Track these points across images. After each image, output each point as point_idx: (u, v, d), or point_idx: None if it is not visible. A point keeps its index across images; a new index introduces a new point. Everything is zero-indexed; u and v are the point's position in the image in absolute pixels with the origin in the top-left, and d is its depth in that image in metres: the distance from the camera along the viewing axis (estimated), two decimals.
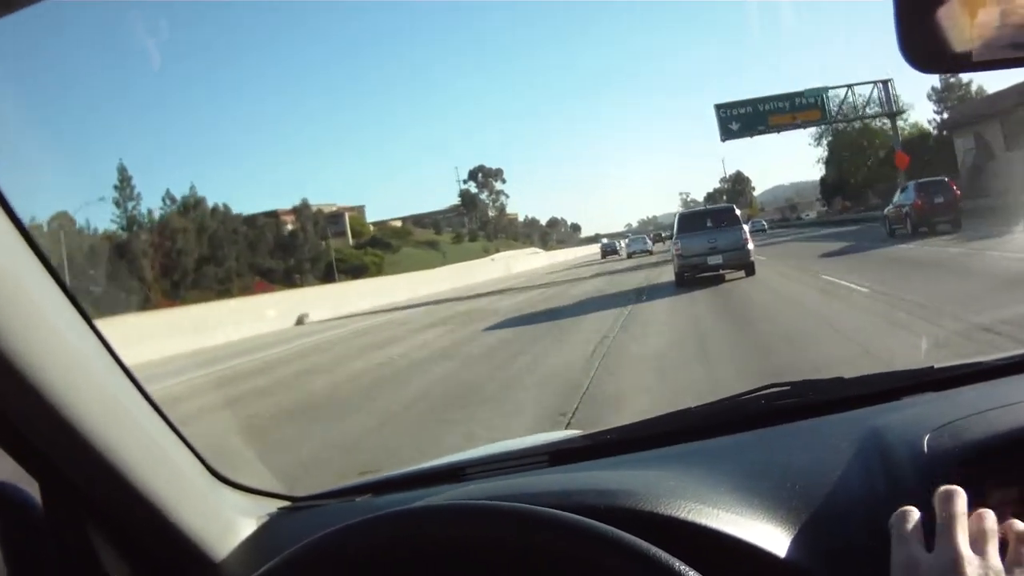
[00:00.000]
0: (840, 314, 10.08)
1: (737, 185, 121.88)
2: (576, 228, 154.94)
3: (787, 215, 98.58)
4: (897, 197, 23.61)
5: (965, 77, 43.94)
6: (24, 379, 0.88)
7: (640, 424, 1.43)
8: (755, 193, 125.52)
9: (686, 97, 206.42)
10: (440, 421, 7.33)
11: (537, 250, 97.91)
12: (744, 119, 40.85)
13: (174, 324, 22.06)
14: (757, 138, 41.46)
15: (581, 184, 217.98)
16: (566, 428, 5.41)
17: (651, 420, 1.44)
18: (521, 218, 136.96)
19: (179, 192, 65.26)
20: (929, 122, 46.79)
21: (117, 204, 55.10)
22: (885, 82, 39.88)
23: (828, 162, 51.68)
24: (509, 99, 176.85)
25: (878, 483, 1.00)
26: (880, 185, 42.09)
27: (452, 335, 15.27)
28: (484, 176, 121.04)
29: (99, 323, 1.05)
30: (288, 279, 65.45)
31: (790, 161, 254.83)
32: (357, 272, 69.61)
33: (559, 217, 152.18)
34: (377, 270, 70.59)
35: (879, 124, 46.14)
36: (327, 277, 67.74)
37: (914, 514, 0.79)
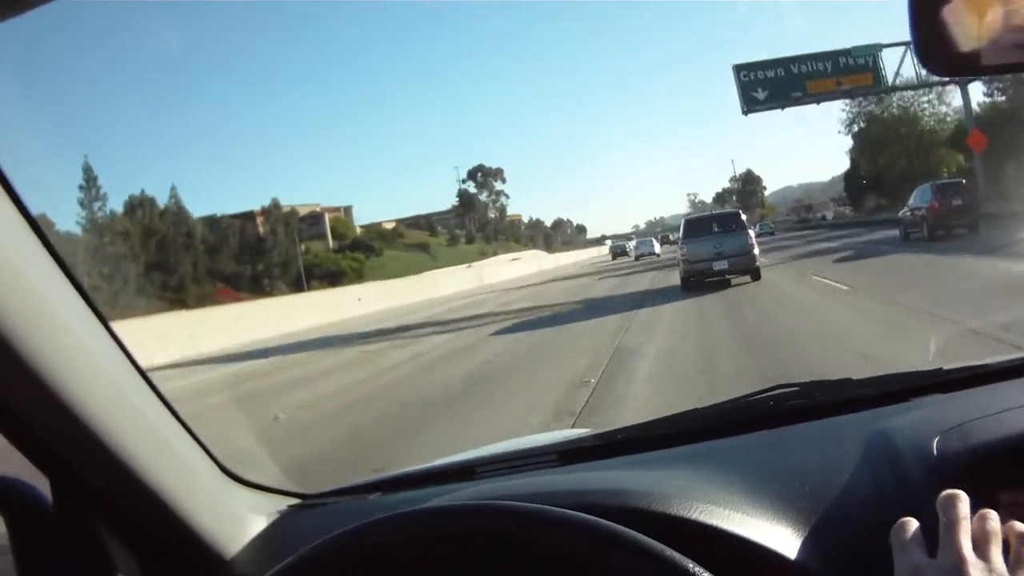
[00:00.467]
0: None
1: (747, 185, 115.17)
2: (582, 229, 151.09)
3: (803, 215, 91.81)
4: (912, 199, 22.56)
5: None
6: (35, 376, 0.88)
7: (650, 424, 1.43)
8: (765, 193, 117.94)
9: (696, 95, 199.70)
10: None
11: (540, 252, 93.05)
12: (773, 85, 31.21)
13: None
14: (784, 115, 33.63)
15: (588, 185, 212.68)
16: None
17: (660, 420, 1.43)
18: (526, 219, 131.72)
19: (159, 193, 58.77)
20: (979, 104, 38.88)
21: (82, 205, 49.73)
22: None
23: (860, 151, 43.76)
24: (514, 99, 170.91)
25: (887, 485, 1.00)
26: (922, 180, 34.75)
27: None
28: (483, 176, 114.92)
29: None
30: (256, 286, 58.81)
31: (800, 161, 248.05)
32: (334, 278, 63.00)
33: (564, 218, 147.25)
34: (356, 275, 64.02)
35: (927, 102, 38.49)
36: (299, 284, 61.14)
37: (912, 524, 0.79)
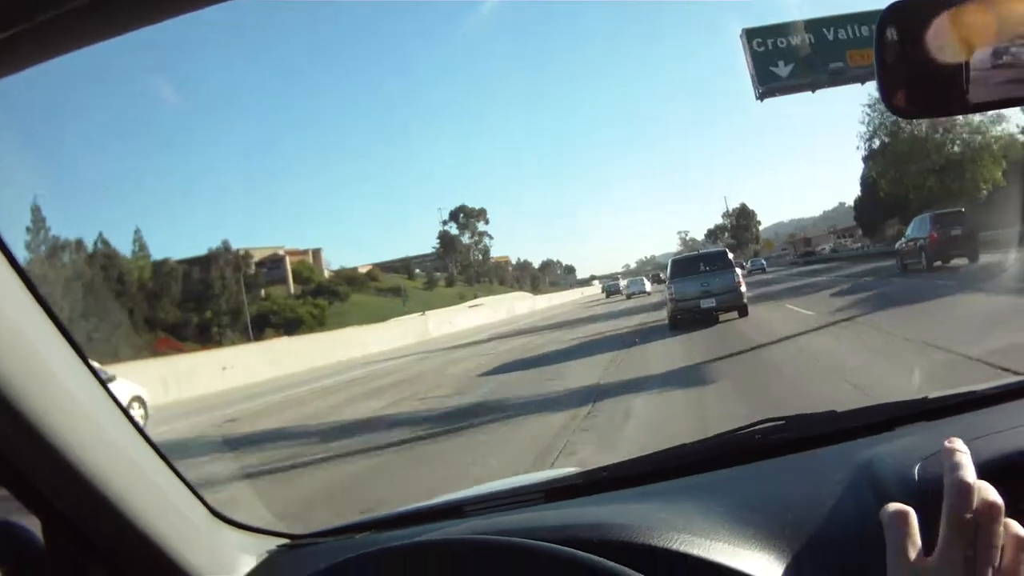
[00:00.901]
0: None
1: (742, 220, 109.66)
2: (570, 270, 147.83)
3: (801, 249, 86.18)
4: (910, 230, 22.42)
5: None
6: (23, 420, 0.89)
7: (635, 461, 1.43)
8: (760, 227, 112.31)
9: (688, 130, 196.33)
10: None
11: (525, 294, 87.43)
12: (801, 56, 21.76)
13: None
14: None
15: (577, 226, 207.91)
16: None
17: (646, 457, 1.43)
18: (514, 261, 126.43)
19: (121, 237, 52.37)
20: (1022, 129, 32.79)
21: (28, 248, 44.88)
22: None
23: (881, 170, 37.54)
24: (500, 141, 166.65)
25: (870, 512, 0.98)
26: (954, 202, 28.39)
27: None
28: (466, 216, 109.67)
29: None
30: (204, 335, 52.20)
31: (791, 196, 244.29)
32: (291, 326, 56.53)
33: (554, 259, 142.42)
34: (317, 323, 57.59)
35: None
36: (255, 331, 54.56)
37: (911, 517, 0.73)
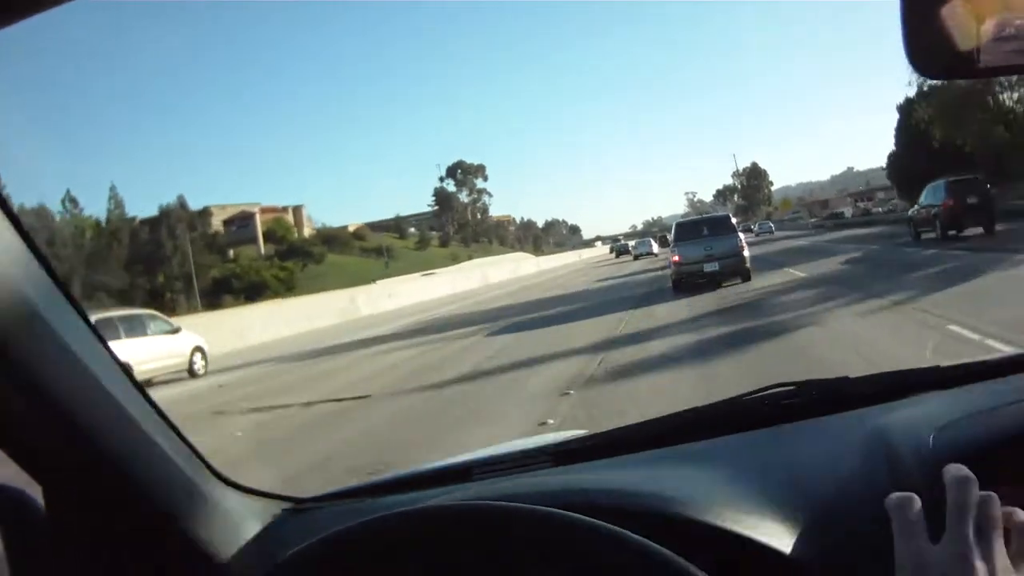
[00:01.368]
0: None
1: (752, 180, 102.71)
2: (575, 230, 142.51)
3: (813, 211, 79.75)
4: (923, 197, 21.24)
5: None
6: (25, 381, 0.89)
7: (644, 424, 1.40)
8: (777, 186, 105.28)
9: (696, 88, 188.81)
10: None
11: (526, 255, 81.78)
12: None
13: None
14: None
15: (584, 185, 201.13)
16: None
17: (655, 420, 1.40)
18: (518, 220, 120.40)
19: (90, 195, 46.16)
20: None
21: None
22: None
23: (934, 116, 30.71)
24: (506, 96, 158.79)
25: (883, 480, 0.97)
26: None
27: None
28: (463, 173, 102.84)
29: None
30: (155, 302, 46.22)
31: (798, 161, 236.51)
32: (254, 291, 50.53)
33: (559, 219, 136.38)
34: (285, 288, 51.54)
35: None
36: (212, 297, 48.51)
37: (916, 502, 0.73)
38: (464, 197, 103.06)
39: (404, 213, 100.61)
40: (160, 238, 48.29)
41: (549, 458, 1.33)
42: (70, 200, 47.49)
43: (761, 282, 15.53)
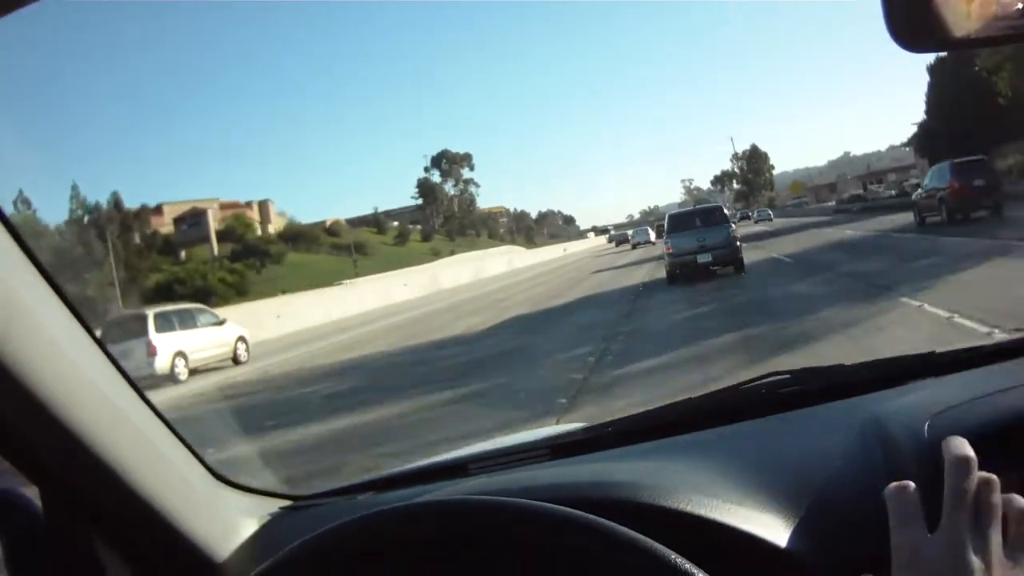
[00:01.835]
0: None
1: (752, 163, 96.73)
2: (570, 221, 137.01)
3: (820, 195, 74.81)
4: (928, 180, 21.19)
5: None
6: (21, 384, 0.88)
7: (640, 416, 1.40)
8: (774, 172, 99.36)
9: (691, 75, 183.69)
10: None
11: (516, 248, 77.14)
12: None
13: None
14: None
15: (579, 175, 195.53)
16: None
17: (650, 412, 1.41)
18: (512, 211, 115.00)
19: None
20: None
21: None
22: None
23: (996, 65, 25.05)
24: (501, 84, 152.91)
25: (879, 468, 0.98)
26: None
27: None
28: (448, 162, 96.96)
29: None
30: (87, 310, 40.23)
31: (795, 147, 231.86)
32: (199, 298, 44.66)
33: (554, 210, 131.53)
34: (235, 292, 45.70)
35: None
36: (154, 305, 42.63)
37: (913, 492, 0.72)
38: (450, 188, 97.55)
39: (389, 207, 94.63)
40: (89, 240, 42.35)
41: (546, 452, 1.32)
42: (23, 201, 42.33)
43: None
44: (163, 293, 44.21)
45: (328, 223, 75.43)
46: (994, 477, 0.70)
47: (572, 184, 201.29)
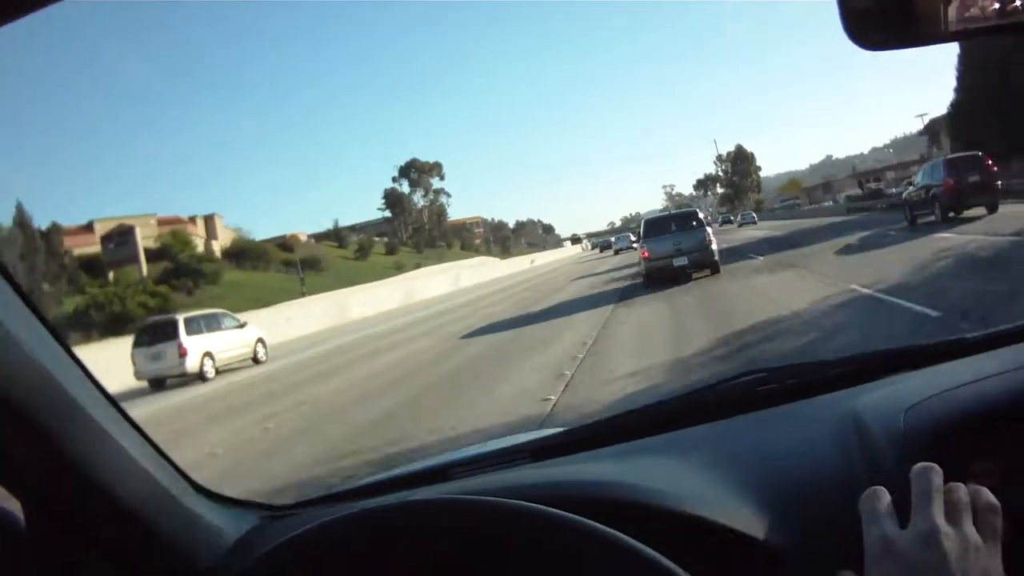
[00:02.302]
0: None
1: (738, 164, 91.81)
2: (548, 229, 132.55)
3: (813, 196, 70.58)
4: (919, 177, 20.68)
5: None
6: (0, 399, 0.88)
7: (618, 417, 1.41)
8: (760, 174, 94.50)
9: (672, 80, 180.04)
10: None
11: (489, 259, 72.98)
12: None
13: None
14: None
15: (559, 183, 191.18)
16: None
17: (629, 413, 1.41)
18: (489, 221, 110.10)
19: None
20: None
21: None
22: None
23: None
24: (478, 94, 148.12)
25: (856, 462, 1.01)
26: None
27: None
28: (417, 172, 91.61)
29: None
30: None
31: (779, 151, 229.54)
32: (117, 325, 38.78)
33: (533, 219, 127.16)
34: None
35: None
36: (73, 331, 36.67)
37: (883, 493, 0.76)
38: (419, 199, 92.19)
39: (357, 220, 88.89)
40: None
41: (526, 455, 1.32)
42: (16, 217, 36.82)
43: None
44: (80, 321, 38.39)
45: (288, 238, 69.79)
46: (960, 484, 0.73)
47: (552, 193, 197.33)
